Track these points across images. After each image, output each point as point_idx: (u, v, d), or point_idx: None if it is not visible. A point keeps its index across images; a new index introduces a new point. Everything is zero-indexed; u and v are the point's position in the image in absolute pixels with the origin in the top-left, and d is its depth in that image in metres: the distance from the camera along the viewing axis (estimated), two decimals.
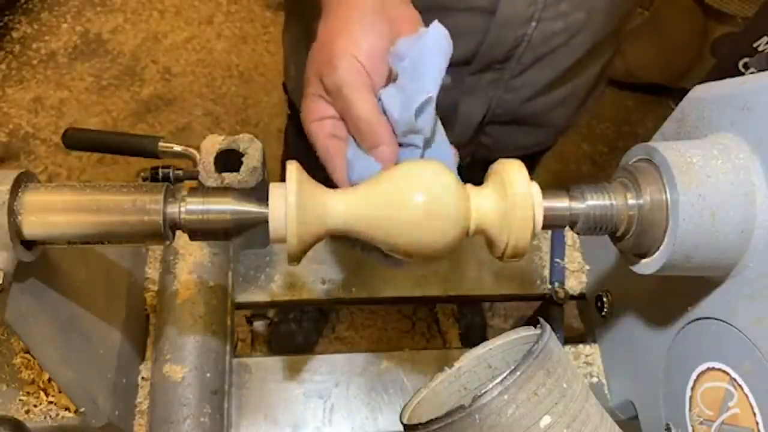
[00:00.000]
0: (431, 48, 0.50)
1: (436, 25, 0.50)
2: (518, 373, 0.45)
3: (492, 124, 0.84)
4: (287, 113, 1.05)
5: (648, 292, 0.62)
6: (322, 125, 0.52)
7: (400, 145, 0.51)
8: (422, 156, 0.51)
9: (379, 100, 0.51)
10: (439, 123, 0.52)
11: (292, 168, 0.45)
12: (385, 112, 0.50)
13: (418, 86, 0.49)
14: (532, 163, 1.03)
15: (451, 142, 0.53)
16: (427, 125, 0.50)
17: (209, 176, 0.67)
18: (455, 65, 0.76)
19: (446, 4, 0.69)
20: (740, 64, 1.76)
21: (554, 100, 0.83)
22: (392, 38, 0.51)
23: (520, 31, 0.70)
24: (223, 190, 0.46)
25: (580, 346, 0.75)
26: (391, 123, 0.50)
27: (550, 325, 0.50)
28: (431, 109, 0.50)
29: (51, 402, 0.60)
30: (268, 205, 0.44)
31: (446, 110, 0.81)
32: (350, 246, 0.77)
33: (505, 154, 0.55)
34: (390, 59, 0.51)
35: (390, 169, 0.48)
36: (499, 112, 0.82)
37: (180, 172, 0.74)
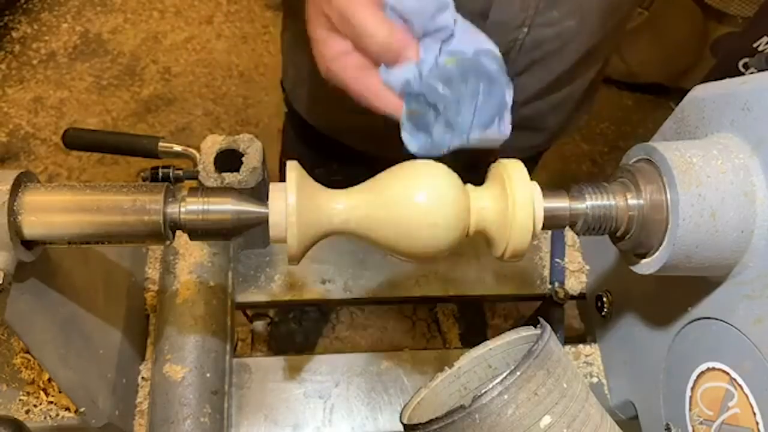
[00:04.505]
0: None
1: None
2: (518, 373, 0.45)
3: None
4: (285, 112, 1.05)
5: (648, 292, 0.62)
6: (344, 62, 0.49)
7: (426, 36, 0.48)
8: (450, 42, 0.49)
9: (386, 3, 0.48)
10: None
11: (292, 168, 0.45)
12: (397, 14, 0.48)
13: None
14: (531, 163, 1.03)
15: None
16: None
17: (209, 176, 0.67)
18: None
19: None
20: (740, 64, 1.76)
21: (549, 105, 0.83)
22: None
23: (512, 36, 0.70)
24: (223, 190, 0.46)
25: (580, 346, 0.75)
26: (408, 22, 0.47)
27: (550, 325, 0.51)
28: None
29: (51, 402, 0.60)
30: (268, 205, 0.44)
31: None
32: None
33: (502, 156, 0.54)
34: None
35: (390, 169, 0.48)
36: None
37: (180, 172, 0.74)
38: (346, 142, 0.91)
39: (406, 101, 0.48)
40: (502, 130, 0.51)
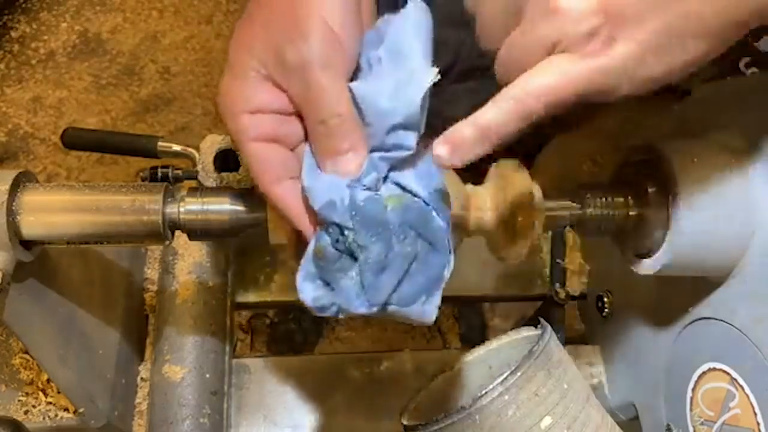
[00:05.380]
0: (412, 27, 0.38)
1: (415, 1, 0.39)
2: (519, 373, 0.45)
3: None
4: None
5: (649, 293, 0.62)
6: (256, 121, 0.37)
7: (375, 151, 0.38)
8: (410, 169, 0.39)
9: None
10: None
11: None
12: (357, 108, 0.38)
13: (409, 70, 0.37)
14: (529, 161, 1.03)
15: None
16: (423, 122, 0.38)
17: (208, 176, 0.67)
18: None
19: None
20: (741, 64, 1.76)
21: None
22: (359, 20, 0.39)
23: None
24: (222, 190, 0.45)
25: (581, 346, 0.75)
26: (366, 121, 0.38)
27: (551, 325, 0.50)
28: (426, 104, 0.38)
29: (50, 402, 0.60)
30: (266, 205, 0.44)
31: (429, 119, 0.81)
32: None
33: (497, 155, 0.54)
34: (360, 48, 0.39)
35: None
36: None
37: (179, 172, 0.74)
38: None
39: (319, 234, 0.37)
40: (426, 313, 0.39)
